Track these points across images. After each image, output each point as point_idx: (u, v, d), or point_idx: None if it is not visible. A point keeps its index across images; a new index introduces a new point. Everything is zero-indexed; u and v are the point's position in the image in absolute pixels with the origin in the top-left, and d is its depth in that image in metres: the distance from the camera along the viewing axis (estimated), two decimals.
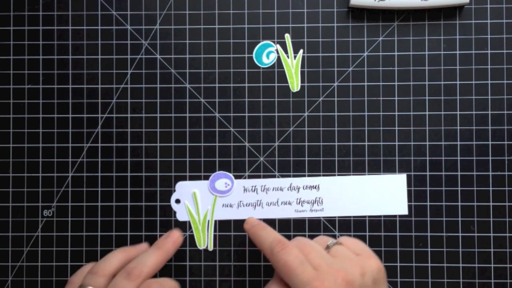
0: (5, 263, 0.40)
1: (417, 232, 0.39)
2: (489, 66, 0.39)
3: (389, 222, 0.39)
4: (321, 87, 0.40)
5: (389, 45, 0.40)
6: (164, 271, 0.39)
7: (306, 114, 0.40)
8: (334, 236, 0.39)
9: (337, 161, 0.39)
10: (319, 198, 0.39)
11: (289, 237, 0.38)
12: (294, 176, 0.40)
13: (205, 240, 0.40)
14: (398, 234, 0.39)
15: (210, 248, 0.40)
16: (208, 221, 0.40)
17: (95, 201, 0.40)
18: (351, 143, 0.39)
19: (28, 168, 0.40)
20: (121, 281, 0.33)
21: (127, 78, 0.40)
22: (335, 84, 0.40)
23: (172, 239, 0.37)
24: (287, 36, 0.40)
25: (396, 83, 0.40)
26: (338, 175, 0.39)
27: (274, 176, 0.40)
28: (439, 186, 0.39)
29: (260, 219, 0.39)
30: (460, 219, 0.39)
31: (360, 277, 0.32)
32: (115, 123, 0.40)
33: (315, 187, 0.39)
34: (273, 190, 0.40)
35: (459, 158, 0.39)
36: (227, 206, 0.39)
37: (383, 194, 0.39)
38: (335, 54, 0.40)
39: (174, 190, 0.40)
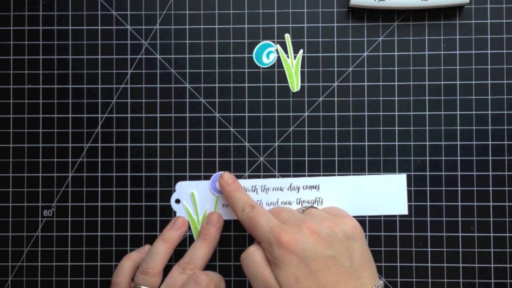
0: (5, 263, 0.40)
1: (417, 232, 0.39)
2: (489, 66, 0.39)
3: (389, 222, 0.39)
4: (321, 87, 0.40)
5: (389, 45, 0.40)
6: (164, 271, 0.39)
7: (306, 114, 0.40)
8: None
9: (337, 161, 0.39)
10: (319, 198, 0.39)
11: None
12: (294, 176, 0.40)
13: None
14: (398, 234, 0.39)
15: None
16: None
17: (95, 201, 0.40)
18: (351, 143, 0.39)
19: (28, 168, 0.40)
20: (177, 275, 0.35)
21: (127, 78, 0.40)
22: (335, 84, 0.40)
23: (213, 224, 0.38)
24: (287, 36, 0.40)
25: (396, 83, 0.40)
26: (338, 175, 0.39)
27: (274, 176, 0.40)
28: (439, 186, 0.39)
29: None
30: (460, 219, 0.39)
31: (329, 229, 0.32)
32: (115, 123, 0.40)
33: (315, 187, 0.39)
34: (273, 190, 0.40)
35: (459, 158, 0.39)
36: (227, 206, 0.39)
37: (383, 194, 0.39)
38: (335, 54, 0.40)
39: (174, 190, 0.40)
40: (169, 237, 0.37)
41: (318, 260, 0.31)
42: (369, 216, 0.39)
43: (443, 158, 0.39)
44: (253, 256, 0.33)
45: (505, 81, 0.39)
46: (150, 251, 0.37)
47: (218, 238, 0.38)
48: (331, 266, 0.31)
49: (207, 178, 0.40)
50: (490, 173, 0.39)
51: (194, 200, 0.40)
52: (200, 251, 0.37)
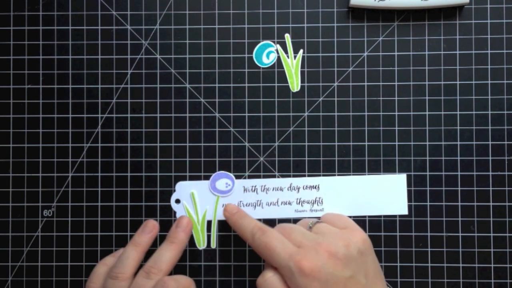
0: (5, 263, 0.40)
1: (417, 232, 0.39)
2: (489, 66, 0.39)
3: (389, 222, 0.39)
4: (321, 87, 0.40)
5: (389, 45, 0.40)
6: None
7: (306, 114, 0.40)
8: None
9: (337, 161, 0.39)
10: (319, 198, 0.39)
11: None
12: (294, 176, 0.40)
13: (204, 240, 0.40)
14: (398, 234, 0.39)
15: (213, 245, 0.40)
16: (208, 221, 0.40)
17: (95, 201, 0.40)
18: (351, 143, 0.39)
19: (28, 168, 0.40)
20: (141, 280, 0.34)
21: (127, 78, 0.40)
22: (335, 84, 0.40)
23: (181, 228, 0.37)
24: (287, 36, 0.40)
25: (396, 83, 0.40)
26: (338, 175, 0.39)
27: (274, 176, 0.40)
28: (439, 186, 0.39)
29: (260, 219, 0.39)
30: (460, 219, 0.39)
31: (344, 248, 0.32)
32: (115, 123, 0.40)
33: (315, 187, 0.39)
34: (273, 190, 0.40)
35: (459, 158, 0.39)
36: None
37: (383, 194, 0.39)
38: (335, 54, 0.40)
39: (174, 190, 0.40)
40: (140, 241, 0.36)
41: (339, 283, 0.31)
42: (369, 216, 0.39)
43: (443, 158, 0.39)
44: (272, 282, 0.32)
45: (505, 81, 0.39)
46: (120, 256, 0.36)
47: (186, 242, 0.37)
48: (350, 286, 0.31)
49: (207, 178, 0.40)
50: (490, 173, 0.39)
51: (194, 200, 0.40)
52: (166, 254, 0.35)
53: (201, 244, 0.40)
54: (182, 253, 0.36)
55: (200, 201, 0.40)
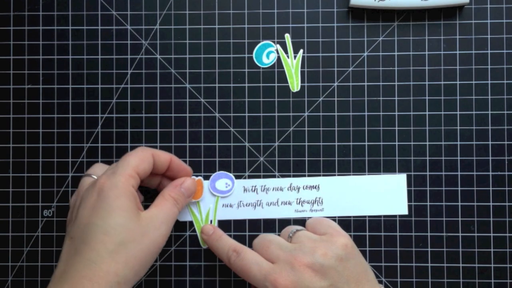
0: (5, 263, 0.40)
1: (417, 232, 0.39)
2: (489, 66, 0.39)
3: (389, 222, 0.39)
4: (321, 87, 0.40)
5: (389, 45, 0.40)
6: (164, 271, 0.39)
7: (306, 114, 0.40)
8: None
9: (337, 161, 0.39)
10: (319, 198, 0.39)
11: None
12: (294, 176, 0.40)
13: None
14: (398, 234, 0.39)
15: None
16: (211, 220, 0.40)
17: None
18: (351, 143, 0.39)
19: (28, 168, 0.40)
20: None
21: (127, 78, 0.40)
22: (335, 84, 0.40)
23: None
24: (287, 36, 0.40)
25: (396, 83, 0.40)
26: (338, 175, 0.39)
27: (274, 176, 0.40)
28: (439, 186, 0.39)
29: (260, 219, 0.39)
30: (460, 219, 0.39)
31: (321, 258, 0.32)
32: (115, 123, 0.40)
33: (315, 187, 0.39)
34: (273, 190, 0.40)
35: (459, 158, 0.39)
36: (227, 206, 0.39)
37: (383, 194, 0.39)
38: (335, 54, 0.40)
39: None
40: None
41: None
42: (369, 216, 0.39)
43: (443, 158, 0.39)
44: None
45: (505, 81, 0.39)
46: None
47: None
48: None
49: (207, 178, 0.40)
50: (490, 173, 0.39)
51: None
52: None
53: (205, 244, 0.40)
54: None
55: (203, 201, 0.40)
